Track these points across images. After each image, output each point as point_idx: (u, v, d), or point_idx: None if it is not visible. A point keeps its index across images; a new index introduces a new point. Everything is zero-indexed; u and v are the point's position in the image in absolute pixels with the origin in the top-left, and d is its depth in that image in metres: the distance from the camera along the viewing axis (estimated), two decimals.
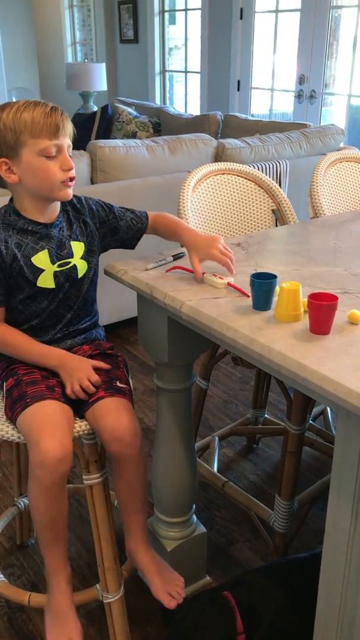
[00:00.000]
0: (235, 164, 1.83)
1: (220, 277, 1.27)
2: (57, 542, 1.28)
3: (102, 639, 1.53)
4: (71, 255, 1.35)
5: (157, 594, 1.39)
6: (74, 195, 1.40)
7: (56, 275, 1.34)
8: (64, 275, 1.35)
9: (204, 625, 1.37)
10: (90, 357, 1.39)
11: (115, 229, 1.43)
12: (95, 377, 1.29)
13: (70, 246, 1.36)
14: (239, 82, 5.29)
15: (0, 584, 1.43)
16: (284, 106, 4.97)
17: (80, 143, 4.67)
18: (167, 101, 6.31)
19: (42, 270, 1.32)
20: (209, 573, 1.71)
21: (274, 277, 1.12)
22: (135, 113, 4.88)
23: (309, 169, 3.31)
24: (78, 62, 6.78)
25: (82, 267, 1.37)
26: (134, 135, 4.75)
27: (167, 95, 6.35)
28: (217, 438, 2.07)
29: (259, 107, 5.28)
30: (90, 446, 1.32)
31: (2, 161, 1.27)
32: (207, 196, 1.77)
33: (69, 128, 1.29)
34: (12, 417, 1.26)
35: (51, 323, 1.38)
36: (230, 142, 3.24)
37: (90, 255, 1.39)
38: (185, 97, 6.13)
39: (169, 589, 1.39)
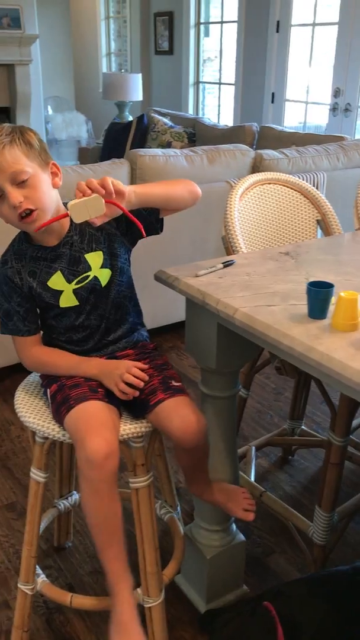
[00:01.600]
0: (281, 174, 1.84)
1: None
2: (112, 545, 1.26)
3: None
4: (88, 269, 1.34)
5: (236, 515, 1.48)
6: None
7: (77, 292, 1.34)
8: (86, 289, 1.34)
9: (244, 635, 1.36)
10: (137, 361, 1.40)
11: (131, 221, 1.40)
12: (135, 369, 1.29)
13: (85, 260, 1.34)
14: (273, 94, 5.31)
15: (43, 584, 1.44)
16: (318, 119, 4.98)
17: (116, 152, 4.72)
18: (200, 112, 6.35)
19: (60, 292, 1.33)
20: (245, 583, 1.71)
21: (331, 286, 1.13)
22: (170, 123, 4.92)
23: (346, 182, 3.31)
24: (115, 72, 6.87)
25: (104, 276, 1.36)
26: (168, 145, 4.78)
27: (200, 106, 6.39)
28: (253, 448, 2.07)
29: (293, 119, 5.28)
30: (138, 449, 1.33)
31: None
32: (254, 205, 1.78)
33: (7, 159, 1.19)
34: (58, 419, 1.27)
35: (87, 333, 1.39)
36: (268, 153, 3.25)
37: (113, 260, 1.37)
38: (219, 109, 6.17)
39: (242, 506, 1.47)
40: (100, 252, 1.36)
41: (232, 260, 1.44)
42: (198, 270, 1.38)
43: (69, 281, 1.33)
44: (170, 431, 1.28)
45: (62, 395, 1.29)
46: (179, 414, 1.28)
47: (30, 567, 1.43)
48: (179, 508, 1.68)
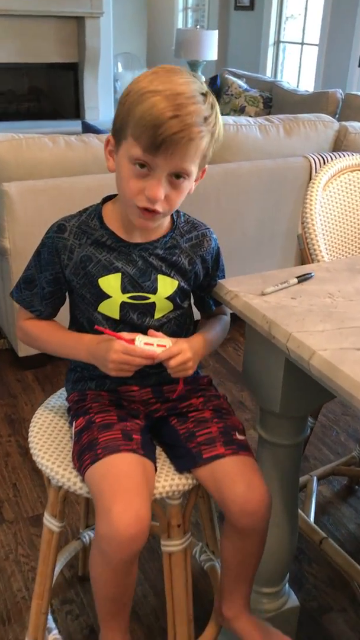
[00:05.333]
0: None
1: (150, 344, 1.01)
2: (118, 617, 1.06)
3: None
4: (153, 291, 1.07)
5: None
6: (204, 226, 1.13)
7: (123, 306, 1.07)
8: (136, 310, 1.07)
9: None
10: (185, 397, 1.13)
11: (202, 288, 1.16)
12: (122, 354, 0.99)
13: (155, 279, 1.07)
14: None
15: None
16: None
17: None
18: (279, 74, 5.90)
19: (107, 297, 1.06)
20: None
21: None
22: (245, 86, 4.53)
23: None
24: (189, 28, 6.46)
25: (163, 308, 1.09)
26: (242, 110, 4.41)
27: (279, 68, 5.93)
28: (315, 478, 1.78)
29: None
30: (174, 507, 1.06)
31: (108, 138, 1.02)
32: (341, 196, 1.44)
33: (190, 151, 0.94)
34: (79, 468, 1.02)
35: None
36: (355, 126, 2.86)
37: (182, 298, 1.11)
38: (299, 71, 5.70)
39: None
40: (176, 283, 1.09)
41: (309, 273, 1.13)
42: (265, 283, 1.08)
43: (124, 291, 1.06)
44: (231, 499, 1.00)
45: (89, 436, 1.04)
46: (245, 479, 1.01)
47: (40, 624, 1.20)
48: None
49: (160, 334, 1.03)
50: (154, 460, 1.04)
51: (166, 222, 1.09)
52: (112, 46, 6.08)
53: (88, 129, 2.83)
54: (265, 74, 5.75)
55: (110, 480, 0.95)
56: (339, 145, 2.87)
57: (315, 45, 5.23)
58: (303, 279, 1.11)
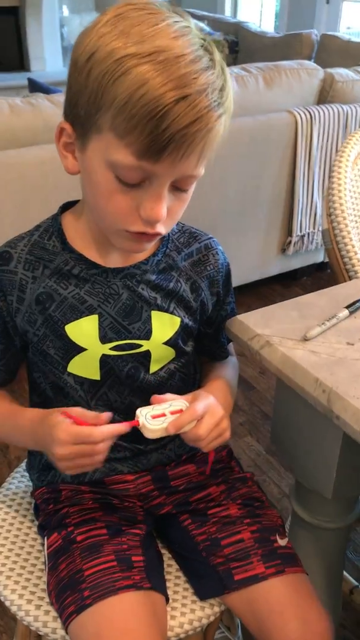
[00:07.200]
0: None
1: (161, 415, 0.68)
2: None
3: None
4: (145, 335, 0.76)
5: None
6: (205, 236, 0.80)
7: (105, 362, 0.75)
8: (123, 365, 0.76)
9: None
10: (203, 487, 0.82)
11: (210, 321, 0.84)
12: (72, 437, 0.65)
13: (148, 319, 0.75)
14: None
15: None
16: None
17: None
18: (238, 15, 5.46)
19: (80, 350, 0.74)
20: None
21: None
22: (207, 29, 4.09)
23: None
24: None
25: (161, 357, 0.78)
26: None
27: (239, 8, 5.48)
28: None
29: (352, 23, 4.46)
30: (194, 637, 0.77)
31: (62, 125, 0.66)
32: None
33: (207, 146, 0.63)
34: (60, 613, 0.71)
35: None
36: (341, 73, 2.51)
37: (185, 339, 0.79)
38: (261, 11, 5.28)
39: None
40: (178, 320, 0.76)
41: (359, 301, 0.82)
42: (302, 318, 0.77)
43: (104, 339, 0.74)
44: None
45: (69, 565, 0.72)
46: (298, 610, 0.71)
47: None
48: (239, 630, 1.15)
49: (170, 395, 0.70)
50: (164, 589, 0.74)
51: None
52: None
53: (35, 87, 2.41)
54: (224, 14, 5.30)
55: None
56: (325, 96, 2.53)
57: None
58: (354, 308, 0.80)
